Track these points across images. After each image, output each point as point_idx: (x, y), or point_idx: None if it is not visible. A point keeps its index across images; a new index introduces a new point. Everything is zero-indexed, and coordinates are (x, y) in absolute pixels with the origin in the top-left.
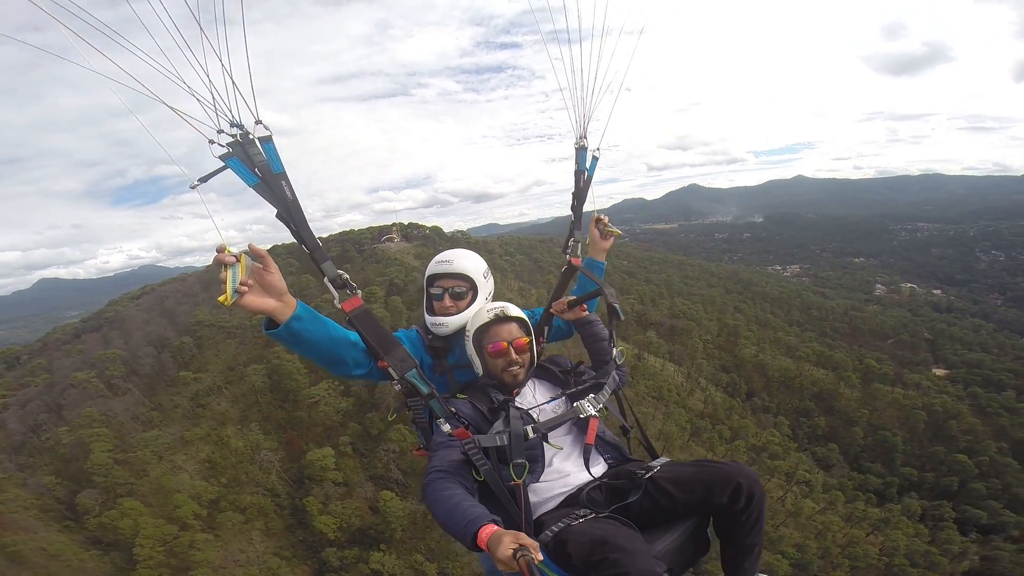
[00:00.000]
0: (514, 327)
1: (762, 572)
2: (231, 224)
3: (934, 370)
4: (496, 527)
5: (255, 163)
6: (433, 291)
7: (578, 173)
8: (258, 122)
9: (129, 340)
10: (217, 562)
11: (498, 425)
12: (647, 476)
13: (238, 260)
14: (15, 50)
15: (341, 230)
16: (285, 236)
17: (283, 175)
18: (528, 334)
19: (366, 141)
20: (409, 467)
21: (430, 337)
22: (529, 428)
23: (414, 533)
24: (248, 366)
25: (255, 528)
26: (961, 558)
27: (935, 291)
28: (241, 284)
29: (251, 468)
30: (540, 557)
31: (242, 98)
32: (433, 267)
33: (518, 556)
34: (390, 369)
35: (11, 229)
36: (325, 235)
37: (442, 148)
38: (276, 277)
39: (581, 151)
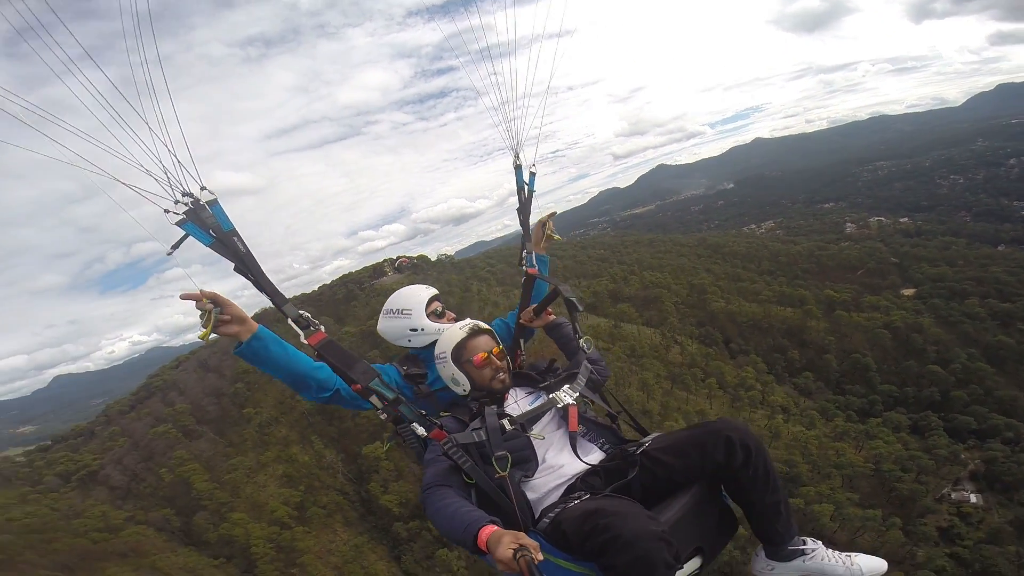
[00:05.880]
0: (487, 338)
1: (805, 536)
2: (222, 292)
3: (903, 291)
4: (495, 527)
5: (208, 225)
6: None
7: (519, 190)
8: (203, 188)
9: (187, 396)
10: (316, 550)
11: (475, 424)
12: (639, 451)
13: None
14: None
15: (332, 278)
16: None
17: (233, 232)
18: (499, 343)
19: (330, 187)
20: None
21: (405, 368)
22: (505, 421)
23: None
24: (296, 396)
25: (336, 521)
26: (951, 461)
27: (902, 220)
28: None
29: (321, 474)
30: (540, 557)
31: (184, 169)
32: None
33: (518, 556)
34: (369, 385)
35: (9, 334)
36: (316, 286)
37: (408, 179)
38: (234, 308)
39: (518, 170)
